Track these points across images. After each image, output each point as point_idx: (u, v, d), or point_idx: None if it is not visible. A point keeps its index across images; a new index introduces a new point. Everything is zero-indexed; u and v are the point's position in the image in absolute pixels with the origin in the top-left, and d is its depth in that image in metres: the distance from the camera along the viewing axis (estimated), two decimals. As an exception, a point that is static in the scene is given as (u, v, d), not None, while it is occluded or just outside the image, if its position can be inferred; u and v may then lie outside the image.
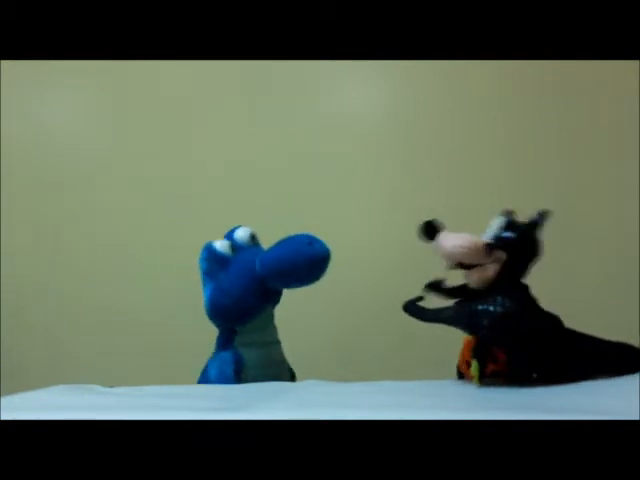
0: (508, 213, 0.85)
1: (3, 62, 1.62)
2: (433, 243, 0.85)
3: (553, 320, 0.83)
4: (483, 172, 1.55)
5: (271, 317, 1.06)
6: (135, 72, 1.62)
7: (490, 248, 0.83)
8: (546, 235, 1.53)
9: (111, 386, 0.93)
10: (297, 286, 1.01)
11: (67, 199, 1.65)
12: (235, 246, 1.03)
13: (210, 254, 1.03)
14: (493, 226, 0.85)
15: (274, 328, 1.06)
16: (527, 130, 1.54)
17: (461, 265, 0.85)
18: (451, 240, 0.84)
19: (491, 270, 0.83)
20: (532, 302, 0.84)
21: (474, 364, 0.82)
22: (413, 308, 0.88)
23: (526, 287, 0.85)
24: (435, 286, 0.89)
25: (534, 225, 0.84)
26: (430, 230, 0.86)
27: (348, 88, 1.63)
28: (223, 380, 0.97)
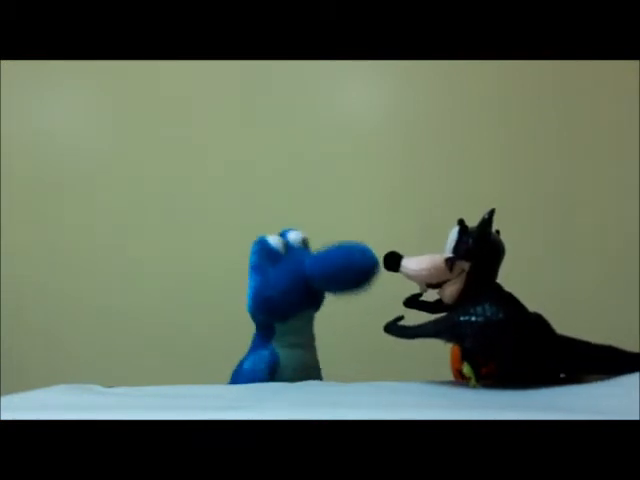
0: (460, 222, 0.85)
1: (3, 62, 1.62)
2: (400, 272, 0.88)
3: (535, 319, 0.83)
4: (483, 172, 1.55)
5: (311, 321, 1.06)
6: (135, 72, 1.62)
7: (450, 262, 0.84)
8: (546, 235, 1.54)
9: (111, 386, 0.93)
10: (341, 292, 1.01)
11: (67, 199, 1.65)
12: (287, 246, 1.04)
13: (262, 248, 1.02)
14: (449, 240, 0.86)
15: (312, 334, 1.06)
16: (527, 130, 1.54)
17: (431, 285, 0.87)
18: (413, 265, 0.87)
19: (459, 282, 0.84)
20: (511, 304, 0.83)
21: (466, 366, 0.83)
22: (394, 328, 0.89)
23: (500, 288, 0.85)
24: (412, 301, 0.90)
25: (484, 224, 0.83)
26: (392, 262, 0.88)
27: (348, 88, 1.63)
28: (254, 376, 0.98)
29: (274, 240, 1.02)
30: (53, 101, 1.69)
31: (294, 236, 1.05)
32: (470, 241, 0.83)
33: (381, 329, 0.89)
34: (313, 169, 1.60)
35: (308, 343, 1.05)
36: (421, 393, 0.80)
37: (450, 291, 0.85)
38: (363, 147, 1.59)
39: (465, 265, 0.84)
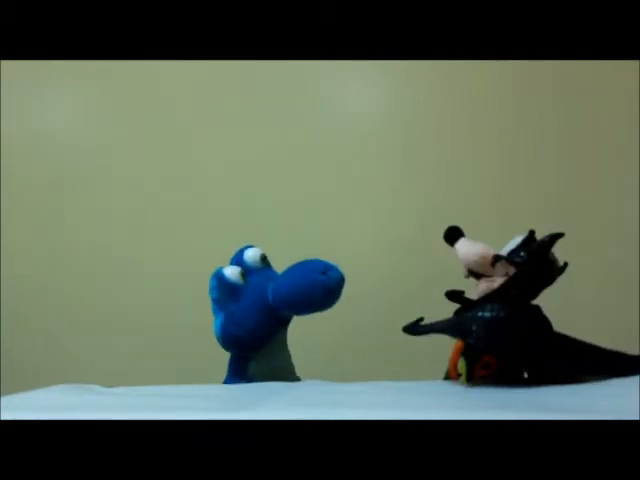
0: (531, 233, 0.84)
1: (3, 62, 1.62)
2: (453, 247, 0.88)
3: (544, 323, 0.83)
4: (483, 172, 1.55)
5: (284, 341, 1.03)
6: (135, 72, 1.62)
7: (496, 260, 0.83)
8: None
9: (111, 386, 0.93)
10: (311, 313, 0.98)
11: (67, 199, 1.65)
12: (245, 269, 0.99)
13: (220, 283, 0.98)
14: (512, 242, 0.86)
15: (288, 352, 1.03)
16: (527, 130, 1.54)
17: (472, 273, 0.87)
18: (464, 247, 0.87)
19: (496, 282, 0.84)
20: (524, 307, 0.83)
21: (461, 362, 0.83)
22: (410, 327, 0.88)
23: (537, 308, 0.85)
24: (454, 294, 0.89)
25: (543, 247, 0.82)
26: (452, 235, 0.88)
27: (348, 88, 1.63)
28: None
29: (232, 272, 0.97)
30: (53, 101, 1.69)
31: (252, 255, 1.00)
32: (525, 253, 0.83)
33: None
34: (313, 169, 1.60)
35: (286, 363, 1.03)
36: (421, 393, 0.80)
37: (483, 287, 0.85)
38: (363, 147, 1.59)
39: (510, 270, 0.83)
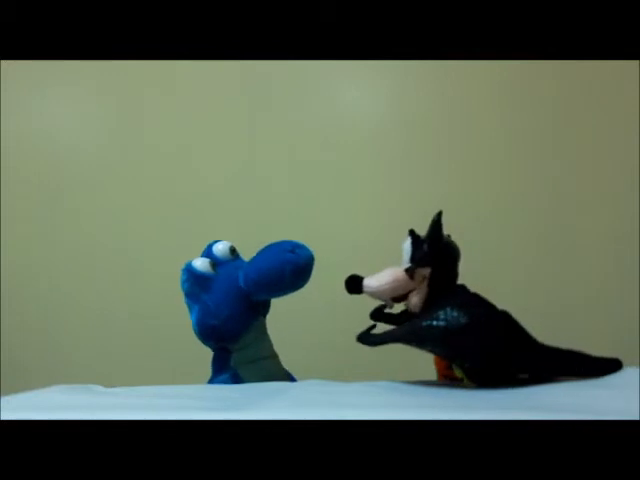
0: (411, 232, 0.86)
1: (3, 62, 1.62)
2: (364, 293, 0.87)
3: (502, 319, 0.82)
4: (484, 172, 1.55)
5: (264, 330, 1.02)
6: (135, 72, 1.62)
7: (410, 271, 0.84)
8: (547, 235, 1.54)
9: (111, 386, 0.93)
10: (284, 295, 0.97)
11: (67, 199, 1.65)
12: (215, 262, 0.99)
13: (190, 275, 0.98)
14: (404, 252, 0.86)
15: (269, 341, 1.03)
16: (527, 130, 1.54)
17: (396, 299, 0.87)
18: (374, 283, 0.86)
19: (422, 290, 0.85)
20: (475, 306, 0.82)
21: (457, 369, 0.83)
22: (364, 337, 0.88)
23: (464, 289, 0.85)
24: (378, 314, 0.90)
25: (435, 227, 0.84)
26: (354, 285, 0.88)
27: (348, 88, 1.63)
28: None
29: (201, 264, 0.97)
30: (53, 101, 1.69)
31: (221, 248, 1.00)
32: (425, 247, 0.84)
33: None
34: (313, 169, 1.60)
35: (268, 352, 1.02)
36: (421, 393, 0.80)
37: (415, 300, 0.85)
38: (363, 147, 1.59)
39: (425, 272, 0.84)
